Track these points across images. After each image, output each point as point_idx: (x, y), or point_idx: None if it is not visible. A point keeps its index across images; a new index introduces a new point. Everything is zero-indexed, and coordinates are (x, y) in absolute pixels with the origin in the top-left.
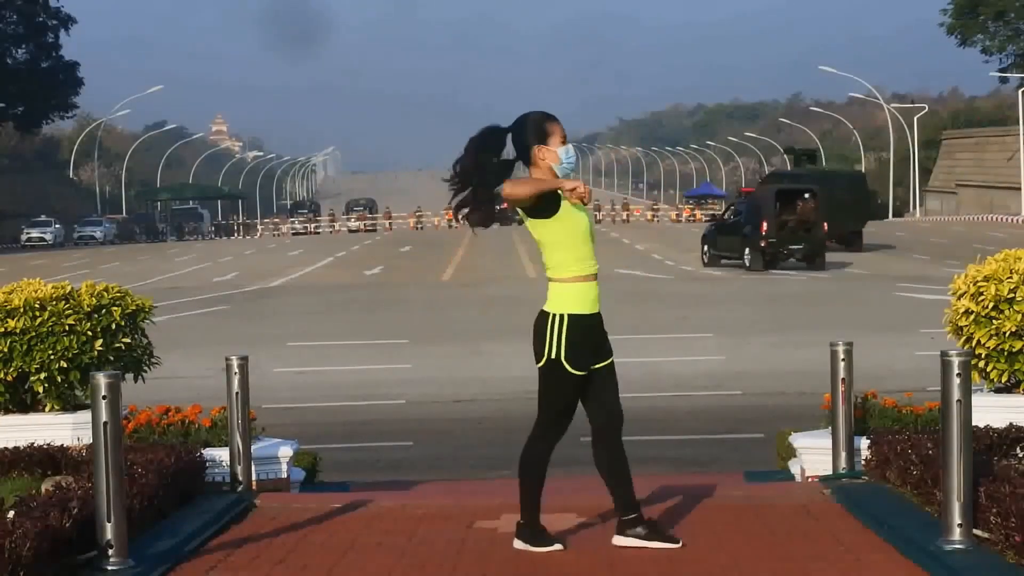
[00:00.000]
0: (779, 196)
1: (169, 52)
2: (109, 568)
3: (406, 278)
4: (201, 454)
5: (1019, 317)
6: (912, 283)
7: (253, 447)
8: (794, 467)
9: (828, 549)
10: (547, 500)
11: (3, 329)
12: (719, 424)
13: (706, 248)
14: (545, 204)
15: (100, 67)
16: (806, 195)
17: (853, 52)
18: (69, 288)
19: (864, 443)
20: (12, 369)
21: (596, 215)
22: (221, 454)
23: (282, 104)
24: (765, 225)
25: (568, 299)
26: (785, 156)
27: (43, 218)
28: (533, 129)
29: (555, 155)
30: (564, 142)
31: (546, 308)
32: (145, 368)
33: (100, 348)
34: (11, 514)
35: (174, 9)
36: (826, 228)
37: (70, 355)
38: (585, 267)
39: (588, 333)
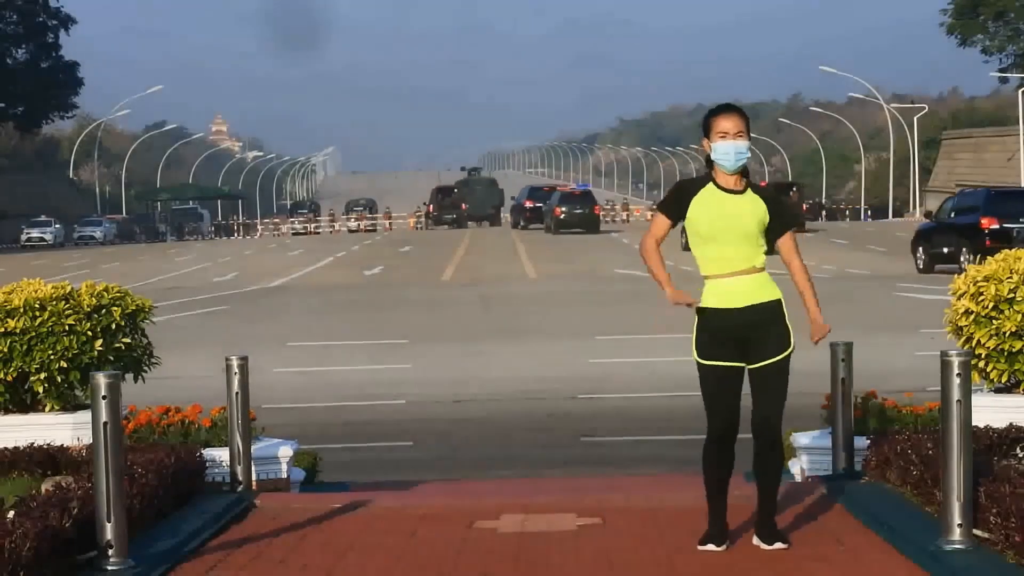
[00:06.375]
0: (441, 191)
1: (169, 52)
2: (109, 568)
3: (406, 278)
4: (201, 454)
5: (1019, 317)
6: (912, 283)
7: (253, 447)
8: (794, 467)
9: (828, 549)
10: (547, 500)
11: (3, 329)
12: None
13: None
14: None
15: (100, 67)
16: (454, 190)
17: (853, 52)
18: (69, 288)
19: (864, 443)
20: (12, 369)
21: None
22: (221, 454)
23: (282, 104)
24: (432, 207)
25: None
26: (462, 169)
27: (43, 218)
28: (703, 122)
29: (712, 150)
30: (725, 137)
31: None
32: (145, 368)
33: (100, 348)
34: (11, 514)
35: (174, 9)
36: (465, 207)
37: (70, 355)
38: None
39: None
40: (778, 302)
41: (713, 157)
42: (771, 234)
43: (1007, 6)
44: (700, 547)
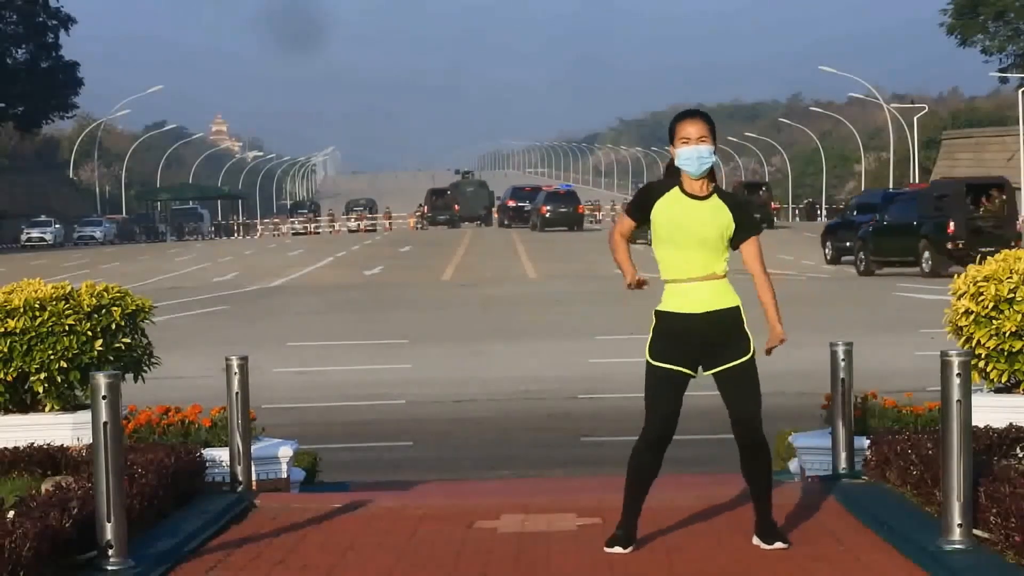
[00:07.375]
0: (434, 193)
1: (169, 52)
2: (109, 568)
3: (406, 278)
4: (201, 454)
5: (1019, 317)
6: (912, 283)
7: (253, 447)
8: (794, 467)
9: (828, 549)
10: (547, 500)
11: (3, 329)
12: (719, 424)
13: None
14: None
15: (100, 67)
16: (447, 192)
17: (853, 52)
18: (69, 288)
19: (864, 443)
20: (12, 369)
21: (596, 215)
22: (221, 454)
23: (282, 104)
24: (426, 208)
25: None
26: (455, 172)
27: (43, 218)
28: (668, 129)
29: (675, 155)
30: (687, 143)
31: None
32: (145, 368)
33: (100, 348)
34: (11, 514)
35: (174, 9)
36: (457, 208)
37: (70, 355)
38: None
39: None
40: (737, 309)
41: (677, 163)
42: (734, 239)
43: (1007, 6)
44: (607, 549)
